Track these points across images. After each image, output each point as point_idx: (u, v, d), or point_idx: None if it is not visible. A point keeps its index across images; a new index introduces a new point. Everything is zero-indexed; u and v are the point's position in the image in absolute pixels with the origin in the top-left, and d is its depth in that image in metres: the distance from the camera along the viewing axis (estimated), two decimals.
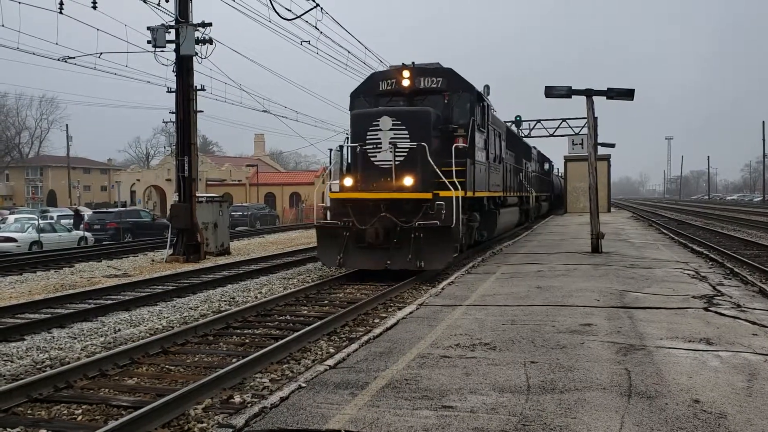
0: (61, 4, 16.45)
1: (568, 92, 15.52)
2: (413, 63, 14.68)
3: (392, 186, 12.86)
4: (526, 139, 35.14)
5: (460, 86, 14.59)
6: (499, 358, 6.11)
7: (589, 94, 15.59)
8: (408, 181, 12.80)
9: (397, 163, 12.88)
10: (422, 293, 11.31)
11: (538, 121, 46.39)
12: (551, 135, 45.97)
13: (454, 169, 12.81)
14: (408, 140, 12.94)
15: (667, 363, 5.81)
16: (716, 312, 8.13)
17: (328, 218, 13.67)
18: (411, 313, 8.53)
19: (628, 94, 15.28)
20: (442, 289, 10.56)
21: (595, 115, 16.07)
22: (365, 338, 7.12)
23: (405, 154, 12.96)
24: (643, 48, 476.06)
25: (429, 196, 12.70)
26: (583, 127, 39.07)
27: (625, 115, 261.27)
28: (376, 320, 9.44)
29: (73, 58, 19.77)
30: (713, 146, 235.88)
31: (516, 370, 5.68)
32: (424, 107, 13.82)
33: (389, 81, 14.76)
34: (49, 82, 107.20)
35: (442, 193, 12.70)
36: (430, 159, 12.73)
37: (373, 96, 14.82)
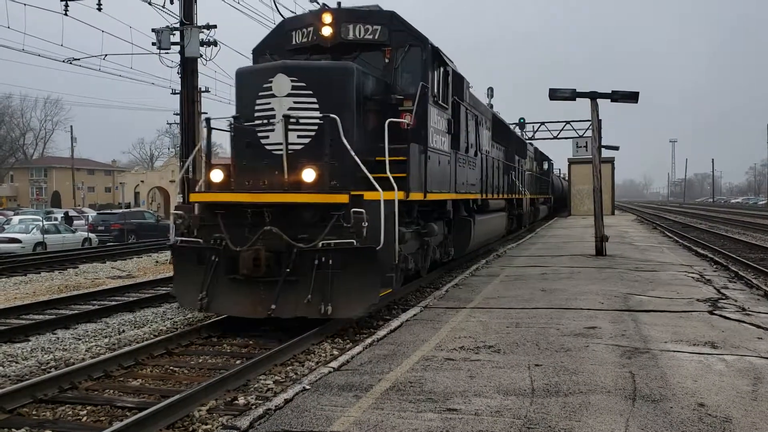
0: (66, 5, 16.56)
1: (573, 95, 15.49)
2: (339, 3, 10.56)
3: (285, 183, 8.28)
4: (529, 142, 34.33)
5: (408, 39, 10.09)
6: (504, 361, 6.11)
7: (593, 96, 15.55)
8: (309, 175, 8.22)
9: (298, 147, 8.44)
10: (426, 295, 11.30)
11: (542, 123, 46.49)
12: (555, 137, 46.01)
13: (387, 158, 8.53)
14: (316, 111, 8.53)
15: (672, 366, 5.80)
16: (721, 315, 8.11)
17: (192, 232, 8.76)
18: (415, 315, 8.53)
19: (632, 97, 15.27)
20: (446, 291, 10.55)
21: (599, 118, 16.05)
22: (369, 340, 7.13)
23: (311, 133, 8.55)
24: (645, 48, 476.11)
25: (343, 198, 8.14)
26: (587, 129, 39.04)
27: (630, 117, 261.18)
28: (380, 323, 9.43)
29: (78, 59, 19.93)
30: (718, 149, 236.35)
31: (520, 373, 5.68)
32: (345, 62, 9.36)
33: (305, 30, 10.25)
34: (54, 83, 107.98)
35: (368, 195, 8.28)
36: (344, 140, 8.23)
37: (284, 52, 10.22)
